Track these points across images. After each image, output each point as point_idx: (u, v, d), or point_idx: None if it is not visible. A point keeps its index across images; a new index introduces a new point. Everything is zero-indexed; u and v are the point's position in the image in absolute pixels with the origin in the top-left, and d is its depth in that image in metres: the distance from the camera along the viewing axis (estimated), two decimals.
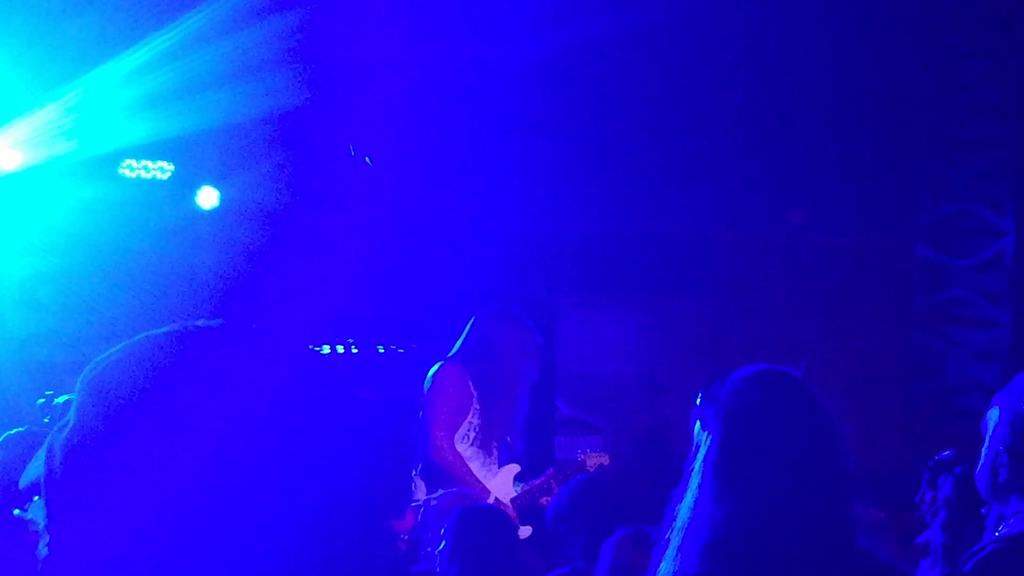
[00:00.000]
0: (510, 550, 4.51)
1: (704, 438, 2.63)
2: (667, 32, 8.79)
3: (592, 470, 6.82)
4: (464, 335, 6.83)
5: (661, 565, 2.58)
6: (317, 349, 8.79)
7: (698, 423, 2.69)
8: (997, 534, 3.45)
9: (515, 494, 6.73)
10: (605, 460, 6.98)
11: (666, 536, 2.60)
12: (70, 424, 1.19)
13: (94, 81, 8.14)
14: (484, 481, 6.61)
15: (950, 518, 5.04)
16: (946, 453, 5.76)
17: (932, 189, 9.71)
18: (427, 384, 6.71)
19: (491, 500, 6.48)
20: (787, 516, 2.52)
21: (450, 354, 6.82)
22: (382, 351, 9.00)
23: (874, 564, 2.64)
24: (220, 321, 1.25)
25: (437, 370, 6.73)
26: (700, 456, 2.61)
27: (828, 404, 2.69)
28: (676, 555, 2.55)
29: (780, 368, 2.76)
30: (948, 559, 5.04)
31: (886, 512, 6.47)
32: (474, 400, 6.67)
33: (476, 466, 6.66)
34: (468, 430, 6.67)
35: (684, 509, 2.58)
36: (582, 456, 7.01)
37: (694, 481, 2.59)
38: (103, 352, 1.24)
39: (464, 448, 6.65)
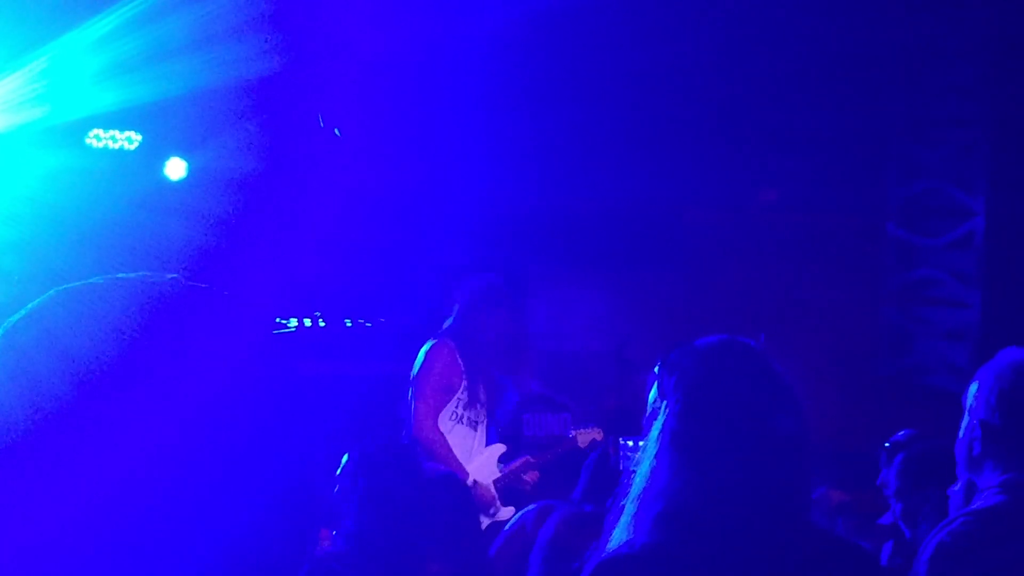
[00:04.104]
0: (417, 487, 4.19)
1: (662, 406, 2.61)
2: (640, 3, 8.76)
3: (585, 447, 6.80)
4: (456, 310, 6.76)
5: (614, 532, 2.56)
6: (285, 322, 8.74)
7: (654, 391, 2.66)
8: (968, 507, 3.45)
9: (498, 475, 6.71)
10: (598, 435, 6.92)
11: (620, 504, 2.58)
12: None
13: (61, 48, 8.05)
14: (467, 461, 6.57)
15: (899, 499, 5.07)
16: (901, 434, 5.78)
17: (903, 168, 9.71)
18: (419, 361, 6.64)
19: (470, 481, 6.43)
20: (743, 488, 2.50)
21: (444, 327, 6.76)
22: (349, 325, 8.97)
23: (829, 539, 2.63)
24: (155, 274, 1.19)
25: (430, 347, 6.65)
26: (657, 425, 2.59)
27: (788, 377, 2.67)
28: (630, 523, 2.53)
29: (741, 339, 2.74)
30: (905, 538, 5.07)
31: (851, 492, 6.48)
32: (463, 376, 6.62)
33: (461, 443, 6.62)
34: (456, 407, 6.62)
35: (639, 477, 2.56)
36: (573, 434, 6.98)
37: (650, 450, 2.57)
38: None
39: (451, 425, 6.61)
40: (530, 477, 6.77)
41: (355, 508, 3.90)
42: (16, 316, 1.15)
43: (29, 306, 1.16)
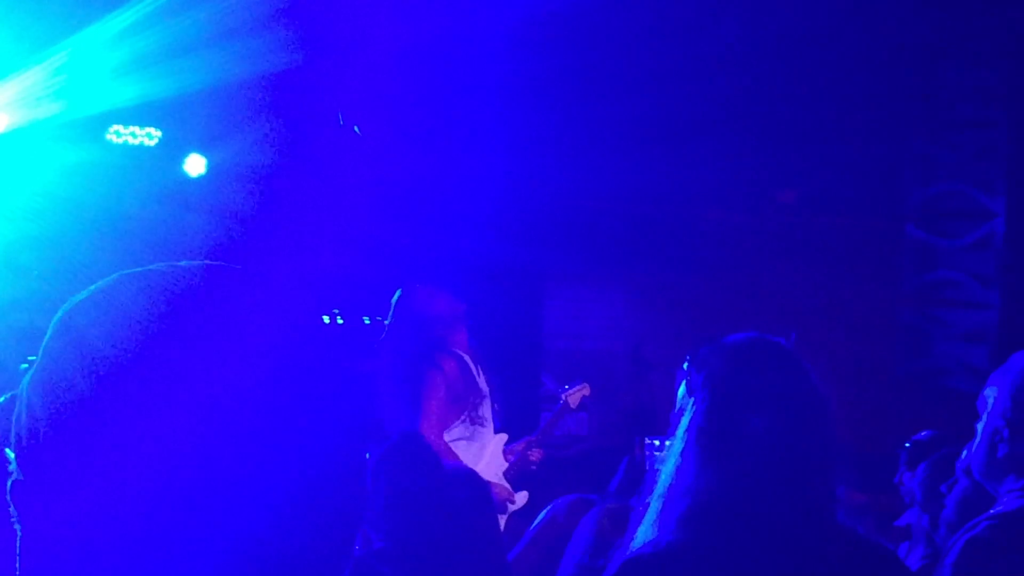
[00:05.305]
0: (438, 483, 4.20)
1: (689, 403, 2.59)
2: (660, 1, 8.75)
3: (575, 406, 6.91)
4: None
5: (639, 530, 2.54)
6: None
7: (683, 387, 2.64)
8: (992, 511, 3.42)
9: (506, 465, 6.69)
10: (586, 391, 7.03)
11: (646, 501, 2.56)
12: (38, 365, 1.14)
13: (81, 43, 8.07)
14: (477, 459, 6.54)
15: (927, 501, 5.03)
16: (923, 434, 5.76)
17: (923, 169, 9.70)
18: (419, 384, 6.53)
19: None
20: (769, 487, 2.48)
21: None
22: (368, 322, 8.95)
23: (854, 539, 2.61)
24: (210, 262, 1.19)
25: (436, 361, 6.53)
26: (684, 421, 2.57)
27: (816, 376, 2.64)
28: (655, 521, 2.51)
29: (770, 337, 2.71)
30: (929, 540, 5.03)
31: (868, 494, 6.47)
32: (467, 383, 6.56)
33: (475, 444, 6.57)
34: (470, 410, 6.57)
35: (665, 475, 2.54)
36: (564, 397, 7.02)
37: (676, 447, 2.55)
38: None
39: (466, 429, 6.56)
40: (535, 457, 6.77)
41: (379, 507, 3.89)
42: (78, 296, 1.16)
43: (90, 288, 1.17)
